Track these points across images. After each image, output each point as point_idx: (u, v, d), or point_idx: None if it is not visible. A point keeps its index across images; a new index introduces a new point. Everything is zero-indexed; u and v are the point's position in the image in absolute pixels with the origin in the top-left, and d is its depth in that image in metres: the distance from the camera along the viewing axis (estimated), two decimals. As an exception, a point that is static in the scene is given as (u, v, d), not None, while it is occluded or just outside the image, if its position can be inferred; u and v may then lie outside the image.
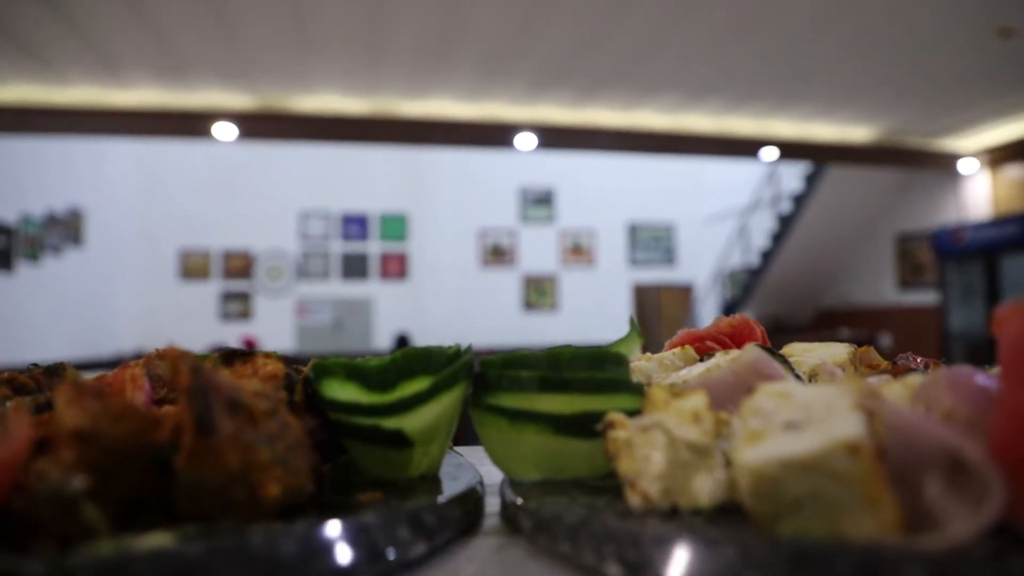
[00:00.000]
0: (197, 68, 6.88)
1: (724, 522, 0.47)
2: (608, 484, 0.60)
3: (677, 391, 0.55)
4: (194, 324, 12.60)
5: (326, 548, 0.45)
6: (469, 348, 0.66)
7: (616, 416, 0.55)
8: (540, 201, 14.40)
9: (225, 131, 7.87)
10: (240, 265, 13.16)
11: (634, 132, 8.62)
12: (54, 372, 0.66)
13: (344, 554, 0.46)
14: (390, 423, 0.61)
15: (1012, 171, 9.70)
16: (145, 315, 12.42)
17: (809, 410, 0.44)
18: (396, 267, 13.69)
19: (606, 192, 14.62)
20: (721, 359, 0.68)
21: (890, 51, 6.62)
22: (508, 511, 0.59)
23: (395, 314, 13.37)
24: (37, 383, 0.65)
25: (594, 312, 14.53)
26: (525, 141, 8.39)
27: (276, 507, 0.47)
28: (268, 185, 13.26)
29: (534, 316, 14.33)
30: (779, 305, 12.41)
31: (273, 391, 0.55)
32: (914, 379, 0.51)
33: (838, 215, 11.25)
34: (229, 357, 0.63)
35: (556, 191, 14.49)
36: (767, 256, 11.95)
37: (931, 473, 0.41)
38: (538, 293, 14.33)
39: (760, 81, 7.37)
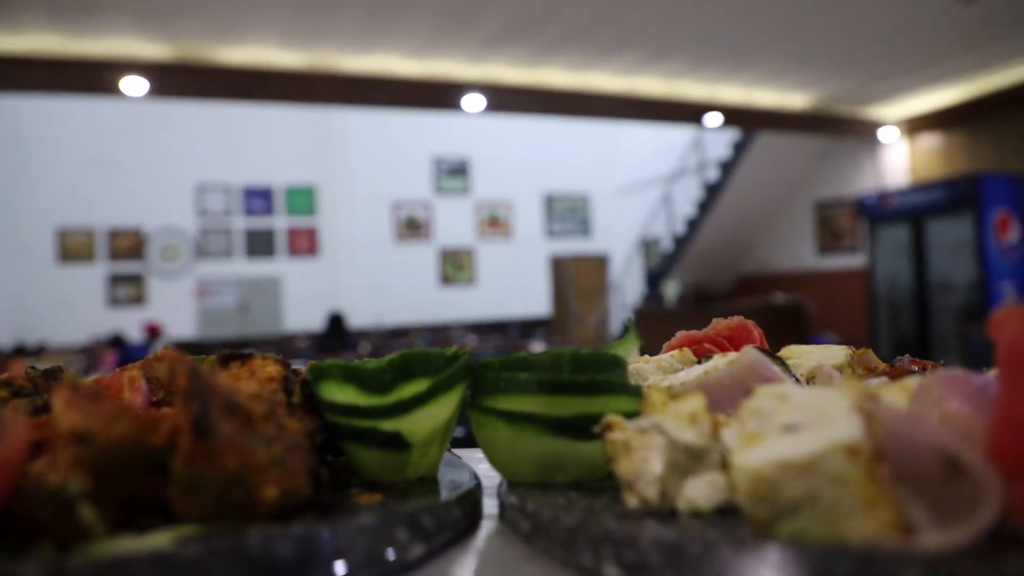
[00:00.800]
0: (105, 9, 5.71)
1: (722, 524, 0.47)
2: (606, 486, 0.60)
3: (675, 393, 0.55)
4: (78, 312, 11.30)
5: (324, 550, 0.45)
6: (468, 350, 0.66)
7: (614, 418, 0.55)
8: (455, 172, 13.94)
9: (134, 86, 6.70)
10: (129, 244, 11.89)
11: (586, 94, 8.37)
12: (52, 374, 0.66)
13: (342, 556, 0.46)
14: (388, 425, 0.61)
15: (927, 140, 10.09)
16: (18, 304, 11.00)
17: (807, 412, 0.44)
18: (305, 243, 12.92)
19: (521, 162, 14.30)
20: (719, 361, 0.68)
21: (839, 16, 6.63)
22: (506, 513, 0.59)
23: (306, 293, 12.69)
24: (35, 385, 0.65)
25: (512, 286, 14.30)
26: (473, 103, 7.93)
27: (274, 509, 0.47)
28: (160, 154, 11.94)
29: (452, 291, 13.94)
30: (701, 273, 12.43)
31: (271, 393, 0.55)
32: (912, 381, 0.51)
33: (763, 183, 11.41)
34: (227, 359, 0.63)
35: (471, 161, 14.07)
36: (693, 224, 11.98)
37: (929, 475, 0.41)
38: (455, 267, 13.89)
39: (714, 45, 7.29)
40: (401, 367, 0.63)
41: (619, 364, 0.65)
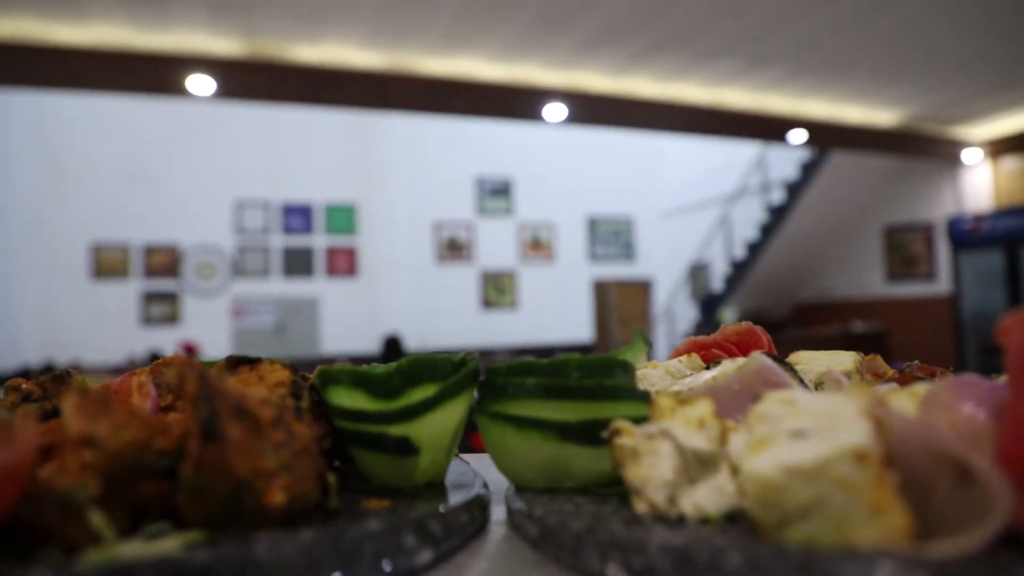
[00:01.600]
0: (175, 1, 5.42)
1: (730, 530, 0.47)
2: (614, 492, 0.60)
3: (683, 399, 0.55)
4: (111, 330, 11.03)
5: (332, 555, 0.45)
6: (475, 355, 0.66)
7: (622, 423, 0.55)
8: (498, 192, 13.51)
9: (201, 84, 6.30)
10: (165, 261, 11.53)
11: (671, 105, 8.03)
12: (61, 379, 0.66)
13: (350, 562, 0.46)
14: (396, 430, 0.61)
15: (1011, 163, 9.76)
16: (50, 321, 10.74)
17: (815, 418, 0.44)
18: (344, 263, 12.47)
19: (564, 184, 13.92)
20: (727, 367, 0.68)
21: (935, 32, 6.48)
22: (514, 518, 0.59)
23: (344, 314, 12.32)
24: (44, 390, 0.65)
25: (555, 310, 13.86)
26: (554, 112, 7.55)
27: (282, 514, 0.47)
28: (197, 169, 11.65)
29: (493, 315, 13.44)
30: (759, 300, 12.01)
31: (279, 398, 0.55)
32: (921, 388, 0.51)
33: (831, 206, 10.98)
34: (235, 364, 0.63)
35: (514, 182, 13.64)
36: (754, 248, 11.53)
37: (938, 481, 0.41)
38: (497, 290, 13.44)
39: (811, 56, 7.05)
40: (409, 373, 0.63)
41: (627, 369, 0.65)
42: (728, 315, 11.24)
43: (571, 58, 6.84)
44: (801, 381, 0.64)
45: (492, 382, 0.64)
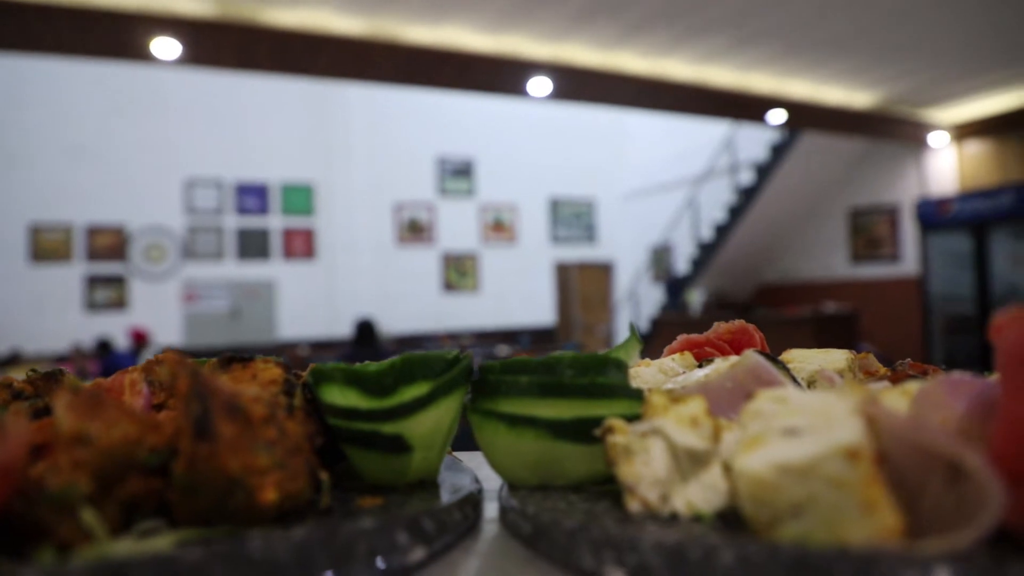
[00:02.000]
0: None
1: (723, 528, 0.47)
2: (607, 489, 0.60)
3: (676, 397, 0.55)
4: (53, 316, 10.33)
5: (324, 553, 0.45)
6: (469, 353, 0.66)
7: (615, 421, 0.55)
8: (459, 173, 13.11)
9: (166, 48, 5.77)
10: (110, 243, 10.74)
11: (657, 82, 7.75)
12: (52, 377, 0.66)
13: (342, 559, 0.46)
14: (389, 428, 0.61)
15: (975, 146, 9.88)
16: None
17: (808, 416, 0.44)
18: (302, 245, 11.93)
19: (527, 164, 13.64)
20: (720, 365, 0.68)
21: (918, 16, 6.45)
22: (507, 516, 0.59)
23: (301, 299, 11.77)
24: (36, 388, 0.65)
25: (517, 293, 13.59)
26: (539, 86, 7.28)
27: (274, 512, 0.47)
28: (145, 146, 10.85)
29: (455, 298, 13.09)
30: (723, 281, 11.90)
31: (272, 396, 0.55)
32: (913, 386, 0.51)
33: (798, 188, 10.92)
34: (227, 362, 0.63)
35: (476, 162, 13.24)
36: (722, 230, 11.37)
37: (930, 479, 0.41)
38: (458, 273, 13.07)
39: (799, 36, 6.94)
40: (402, 370, 0.63)
41: (620, 367, 0.65)
42: (696, 296, 11.18)
43: (561, 31, 6.60)
44: (794, 379, 0.64)
45: (485, 380, 0.64)
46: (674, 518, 0.50)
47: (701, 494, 0.50)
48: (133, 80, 10.60)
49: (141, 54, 5.84)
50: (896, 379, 0.68)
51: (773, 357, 0.66)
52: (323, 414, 0.62)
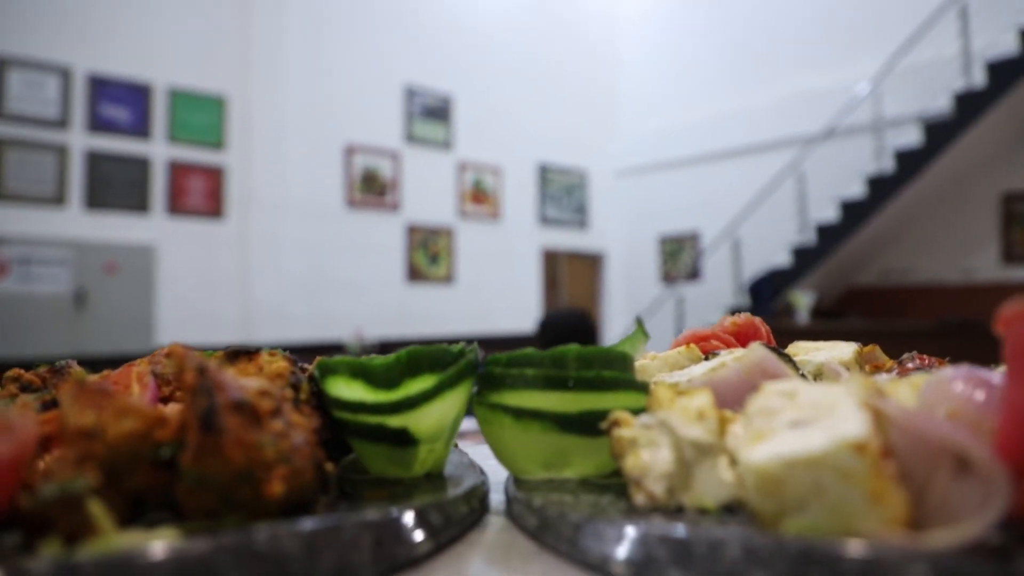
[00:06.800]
0: None
1: (729, 521, 0.47)
2: (613, 482, 0.60)
3: (682, 390, 0.55)
4: None
5: (331, 546, 0.45)
6: (474, 346, 0.66)
7: (621, 414, 0.55)
8: (433, 114, 9.44)
9: None
10: None
11: None
12: (60, 370, 0.67)
13: (349, 552, 0.46)
14: (395, 421, 0.61)
15: None
16: None
17: (814, 409, 0.44)
18: (201, 193, 7.53)
19: (513, 116, 10.36)
20: (726, 358, 0.68)
21: None
22: (513, 509, 0.60)
23: (196, 281, 7.51)
24: (43, 381, 0.65)
25: (499, 287, 10.18)
26: None
27: (281, 505, 0.47)
28: None
29: (421, 291, 9.34)
30: (820, 280, 8.72)
31: (278, 389, 0.55)
32: (920, 378, 0.51)
33: (945, 168, 7.69)
34: (234, 356, 0.63)
35: (454, 101, 9.68)
36: (854, 209, 7.91)
37: (937, 471, 0.41)
38: (428, 255, 9.37)
39: None
40: (409, 363, 0.63)
41: (626, 360, 0.65)
42: (803, 300, 7.98)
43: None
44: (800, 372, 0.64)
45: (491, 373, 0.64)
46: (680, 511, 0.50)
47: (707, 487, 0.50)
48: None
49: None
50: (903, 372, 0.68)
51: (779, 350, 0.65)
52: (329, 407, 0.63)
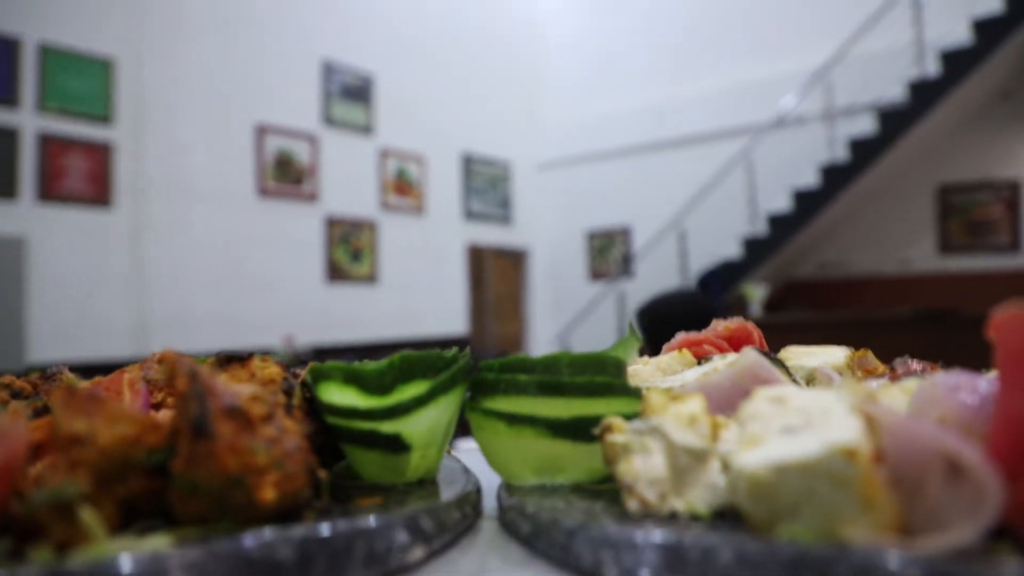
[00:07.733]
0: None
1: (721, 526, 0.47)
2: (606, 488, 0.60)
3: (674, 395, 0.55)
4: None
5: (323, 552, 0.45)
6: (467, 351, 0.66)
7: (613, 420, 0.55)
8: (353, 95, 8.56)
9: None
10: None
11: None
12: (51, 376, 0.66)
13: (341, 559, 0.46)
14: (388, 427, 0.61)
15: None
16: None
17: (806, 414, 0.44)
18: (83, 175, 6.09)
19: (436, 103, 9.57)
20: (719, 363, 0.68)
21: None
22: (506, 515, 0.59)
23: (78, 283, 6.03)
24: (34, 387, 0.65)
25: (425, 286, 9.36)
26: None
27: (273, 511, 0.47)
28: None
29: (343, 291, 8.36)
30: (767, 273, 8.53)
31: (270, 395, 0.55)
32: (912, 383, 0.51)
33: (891, 166, 7.75)
34: (226, 360, 0.63)
35: (375, 82, 8.76)
36: (807, 199, 7.81)
37: (929, 477, 0.41)
38: (349, 252, 8.47)
39: None
40: (401, 369, 0.63)
41: (618, 366, 0.65)
42: (756, 293, 7.90)
43: None
44: (792, 377, 0.64)
45: (484, 379, 0.64)
46: (673, 517, 0.50)
47: (699, 493, 0.51)
48: None
49: None
50: (895, 377, 0.68)
51: (771, 355, 0.66)
52: (322, 413, 0.63)
